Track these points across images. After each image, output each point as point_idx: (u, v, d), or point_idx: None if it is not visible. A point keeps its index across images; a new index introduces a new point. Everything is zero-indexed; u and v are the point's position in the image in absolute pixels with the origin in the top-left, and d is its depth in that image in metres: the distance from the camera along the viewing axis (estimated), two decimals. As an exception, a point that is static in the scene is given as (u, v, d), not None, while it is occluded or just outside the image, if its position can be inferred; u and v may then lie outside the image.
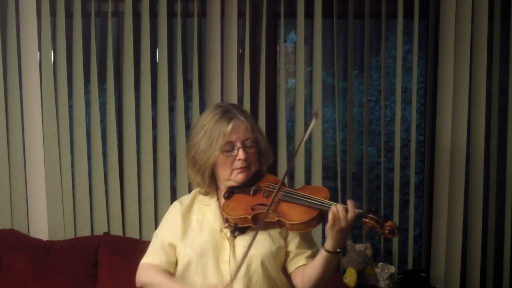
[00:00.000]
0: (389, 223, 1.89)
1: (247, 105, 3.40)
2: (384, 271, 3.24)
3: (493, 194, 3.55)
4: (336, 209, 1.91)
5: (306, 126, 2.01)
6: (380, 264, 3.28)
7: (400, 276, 3.37)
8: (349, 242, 3.38)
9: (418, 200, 3.71)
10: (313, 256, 2.06)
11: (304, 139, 2.09)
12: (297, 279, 2.09)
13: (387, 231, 1.89)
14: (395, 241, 3.51)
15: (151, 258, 2.14)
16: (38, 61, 3.35)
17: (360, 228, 3.71)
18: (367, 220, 1.90)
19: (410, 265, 3.56)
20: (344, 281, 3.26)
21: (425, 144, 3.62)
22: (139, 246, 3.30)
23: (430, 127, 3.56)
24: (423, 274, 3.40)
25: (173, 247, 2.12)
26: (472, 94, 3.48)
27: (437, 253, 3.51)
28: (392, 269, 3.26)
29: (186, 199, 2.20)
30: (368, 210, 1.93)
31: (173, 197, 3.37)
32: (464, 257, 3.55)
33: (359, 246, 3.33)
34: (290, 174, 3.49)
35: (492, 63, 3.50)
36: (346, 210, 1.91)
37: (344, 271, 3.32)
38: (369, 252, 3.31)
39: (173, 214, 2.17)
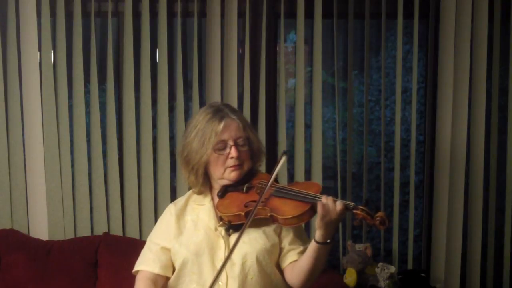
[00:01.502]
0: (379, 214, 1.93)
1: (247, 105, 3.40)
2: (384, 271, 3.24)
3: (493, 194, 3.55)
4: (325, 201, 1.93)
5: (276, 161, 2.03)
6: (380, 264, 3.28)
7: (400, 276, 3.36)
8: (349, 242, 3.38)
9: (418, 200, 3.70)
10: (305, 251, 2.07)
11: (275, 174, 2.07)
12: (289, 274, 2.11)
13: (377, 222, 1.92)
14: (395, 241, 3.51)
15: (144, 265, 2.18)
16: (38, 61, 3.35)
17: (360, 228, 3.72)
18: (358, 211, 1.94)
19: (410, 265, 3.55)
20: (344, 281, 3.26)
21: (425, 144, 3.61)
22: (139, 246, 3.27)
23: (430, 127, 3.56)
24: (423, 274, 3.40)
25: (167, 250, 2.14)
26: (472, 94, 3.48)
27: (437, 253, 3.50)
28: (392, 269, 3.26)
29: (180, 200, 2.22)
30: (358, 202, 1.96)
31: (173, 197, 3.36)
32: (464, 257, 3.55)
33: (359, 246, 3.33)
34: (290, 174, 3.50)
35: (492, 63, 3.50)
36: (336, 202, 1.92)
37: (344, 271, 3.32)
38: (369, 252, 3.31)
39: (166, 218, 2.19)
